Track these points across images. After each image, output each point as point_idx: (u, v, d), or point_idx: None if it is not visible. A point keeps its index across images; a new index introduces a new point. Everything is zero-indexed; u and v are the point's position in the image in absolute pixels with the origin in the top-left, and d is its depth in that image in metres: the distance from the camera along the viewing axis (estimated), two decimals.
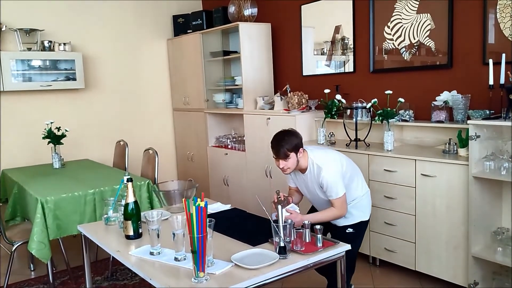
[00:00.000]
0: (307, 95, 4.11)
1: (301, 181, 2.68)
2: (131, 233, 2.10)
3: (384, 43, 3.71)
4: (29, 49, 4.38)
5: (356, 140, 3.50)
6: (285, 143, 2.47)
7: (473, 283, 2.75)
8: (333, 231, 2.67)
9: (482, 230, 2.79)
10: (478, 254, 2.73)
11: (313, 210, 2.81)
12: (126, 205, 2.10)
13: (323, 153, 2.62)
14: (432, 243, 2.99)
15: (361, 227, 2.70)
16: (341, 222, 2.65)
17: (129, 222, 2.09)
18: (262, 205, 2.15)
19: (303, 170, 2.61)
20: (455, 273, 2.89)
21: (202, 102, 4.96)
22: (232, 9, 4.59)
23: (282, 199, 2.38)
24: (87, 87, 4.83)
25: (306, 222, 2.05)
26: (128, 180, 2.13)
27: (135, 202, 2.12)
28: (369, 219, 2.74)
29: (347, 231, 2.62)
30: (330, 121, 3.83)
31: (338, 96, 3.69)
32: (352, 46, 3.97)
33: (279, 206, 1.86)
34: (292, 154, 2.48)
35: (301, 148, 2.53)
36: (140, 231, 2.12)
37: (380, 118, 3.29)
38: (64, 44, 4.53)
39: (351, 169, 2.68)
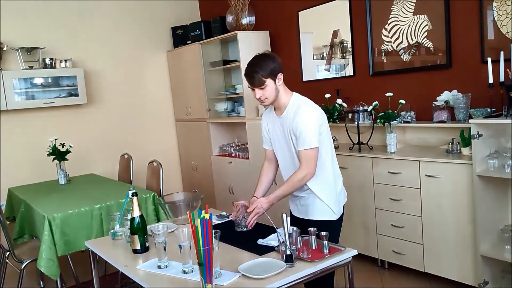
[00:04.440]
0: None
1: (274, 131, 2.35)
2: (138, 247, 2.11)
3: (382, 45, 3.72)
4: (31, 67, 4.42)
5: (359, 143, 3.50)
6: (260, 68, 2.15)
7: (483, 282, 2.74)
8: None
9: (489, 229, 2.78)
10: (486, 253, 2.72)
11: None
12: (132, 219, 2.11)
13: (309, 100, 2.29)
14: (440, 243, 2.98)
15: (338, 223, 2.34)
16: (306, 213, 2.31)
17: (136, 236, 2.10)
18: (267, 214, 2.15)
19: (280, 110, 2.28)
20: (464, 273, 2.88)
21: (204, 112, 4.99)
22: (230, 18, 4.63)
23: (239, 210, 2.29)
24: (90, 102, 4.86)
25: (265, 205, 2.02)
26: (133, 195, 2.14)
27: (141, 216, 2.13)
28: (341, 220, 2.37)
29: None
30: (332, 125, 3.82)
31: (339, 100, 3.70)
32: (351, 49, 3.99)
33: (284, 215, 1.86)
34: (269, 81, 2.17)
35: (280, 74, 2.20)
36: (147, 245, 2.13)
37: (382, 120, 3.30)
38: (65, 60, 4.57)
39: (329, 138, 2.33)
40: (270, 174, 2.51)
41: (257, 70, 2.16)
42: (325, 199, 2.29)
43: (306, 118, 2.17)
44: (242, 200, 2.36)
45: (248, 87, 2.25)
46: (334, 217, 2.31)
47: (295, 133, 2.20)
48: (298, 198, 2.36)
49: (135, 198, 2.14)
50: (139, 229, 2.10)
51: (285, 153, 2.35)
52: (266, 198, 2.29)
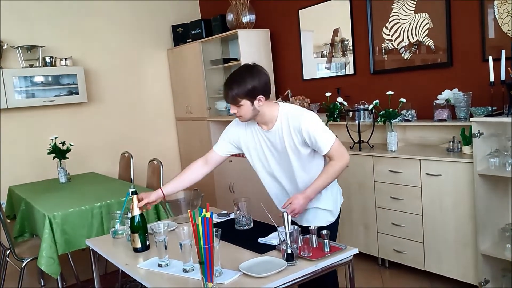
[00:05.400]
0: (308, 99, 4.11)
1: (257, 145, 2.18)
2: (138, 245, 2.11)
3: (383, 43, 3.71)
4: (31, 66, 4.42)
5: (360, 142, 3.50)
6: (237, 86, 1.95)
7: (484, 281, 2.74)
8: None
9: (490, 228, 2.78)
10: (487, 252, 2.72)
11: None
12: (132, 218, 2.11)
13: (298, 106, 2.14)
14: (441, 242, 2.98)
15: (335, 225, 2.24)
16: (312, 221, 2.18)
17: (136, 235, 2.09)
18: (268, 212, 2.15)
19: (268, 125, 2.10)
20: (465, 271, 2.88)
21: (205, 110, 4.98)
22: (230, 17, 4.62)
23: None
24: (90, 100, 4.86)
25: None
26: (133, 193, 2.14)
27: (141, 215, 2.13)
28: (338, 221, 2.28)
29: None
30: (333, 124, 3.82)
31: (340, 99, 3.69)
32: (351, 48, 3.98)
33: (285, 213, 1.85)
34: (245, 102, 1.97)
35: (260, 96, 1.98)
36: (147, 243, 2.13)
37: (383, 119, 3.29)
38: (66, 59, 4.57)
39: None
40: (196, 175, 2.31)
41: (233, 88, 1.96)
42: (321, 206, 2.19)
43: (313, 123, 2.04)
44: (243, 198, 2.35)
45: None
46: (330, 221, 2.22)
47: (308, 141, 2.04)
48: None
49: (135, 197, 2.14)
50: (139, 227, 2.09)
51: (281, 160, 2.17)
52: (303, 193, 2.04)
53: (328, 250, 1.89)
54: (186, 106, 5.30)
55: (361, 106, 3.54)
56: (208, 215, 1.60)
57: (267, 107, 2.07)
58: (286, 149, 2.10)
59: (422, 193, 3.03)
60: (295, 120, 2.04)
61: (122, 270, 2.11)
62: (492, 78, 2.72)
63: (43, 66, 4.47)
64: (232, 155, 2.43)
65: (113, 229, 2.36)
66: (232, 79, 2.00)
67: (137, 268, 1.93)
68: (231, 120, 4.71)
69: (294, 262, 1.79)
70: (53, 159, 4.01)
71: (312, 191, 2.06)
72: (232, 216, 2.46)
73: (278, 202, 2.33)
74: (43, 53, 4.49)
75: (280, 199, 2.31)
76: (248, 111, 2.02)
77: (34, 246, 3.25)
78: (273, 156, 2.18)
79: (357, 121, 3.49)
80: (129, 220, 2.15)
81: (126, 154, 4.43)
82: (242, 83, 1.96)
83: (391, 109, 3.26)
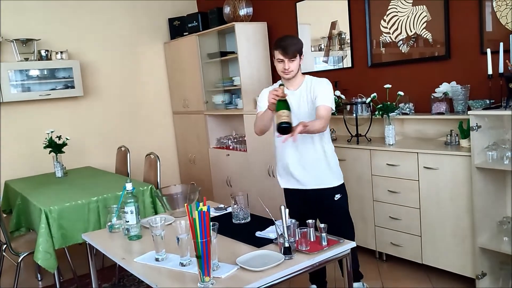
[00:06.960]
0: None
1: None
2: (286, 120, 2.14)
3: (381, 36, 3.69)
4: (27, 59, 4.38)
5: (357, 135, 3.49)
6: (297, 42, 2.50)
7: (481, 274, 2.74)
8: (321, 204, 2.64)
9: (488, 221, 2.78)
10: (484, 245, 2.72)
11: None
12: (283, 101, 2.18)
13: None
14: (438, 235, 2.98)
15: (344, 188, 2.70)
16: (328, 183, 2.60)
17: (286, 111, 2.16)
18: (265, 206, 2.14)
19: (294, 86, 2.58)
20: (462, 264, 2.89)
21: (202, 104, 4.96)
22: (227, 9, 4.59)
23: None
24: (86, 94, 4.83)
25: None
26: (281, 85, 2.31)
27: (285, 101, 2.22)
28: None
29: (335, 198, 2.62)
30: (331, 117, 3.80)
31: (337, 92, 3.68)
32: (349, 41, 3.96)
33: (282, 207, 1.84)
34: (297, 57, 2.49)
35: (303, 55, 2.55)
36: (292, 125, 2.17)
37: (380, 112, 3.28)
38: (61, 52, 4.53)
39: None
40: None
41: (295, 43, 2.47)
42: (335, 165, 2.65)
43: (329, 86, 2.54)
44: (240, 192, 2.34)
45: (278, 59, 2.48)
46: (340, 182, 2.67)
47: (316, 91, 2.50)
48: (310, 168, 2.58)
49: (283, 86, 2.27)
50: (287, 107, 2.18)
51: (298, 118, 2.43)
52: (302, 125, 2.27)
53: (326, 243, 1.89)
54: (183, 100, 5.28)
55: (359, 100, 3.53)
56: (205, 209, 1.59)
57: (300, 69, 2.59)
58: (303, 104, 2.53)
59: (420, 186, 3.03)
60: (316, 82, 2.55)
61: (119, 265, 2.10)
62: (490, 71, 2.71)
63: (39, 60, 4.43)
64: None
65: (109, 223, 2.36)
66: (288, 40, 2.48)
67: (134, 262, 1.92)
68: (228, 114, 4.78)
69: (291, 255, 1.79)
70: (49, 153, 3.99)
71: (305, 126, 2.21)
72: (229, 210, 2.45)
73: (283, 155, 2.65)
74: (38, 47, 4.45)
75: (289, 154, 2.61)
76: (297, 66, 2.52)
77: (30, 241, 3.24)
78: (295, 110, 2.49)
79: (354, 115, 3.48)
80: (126, 214, 2.15)
81: (123, 148, 4.41)
82: (299, 42, 2.52)
83: (388, 103, 3.25)
